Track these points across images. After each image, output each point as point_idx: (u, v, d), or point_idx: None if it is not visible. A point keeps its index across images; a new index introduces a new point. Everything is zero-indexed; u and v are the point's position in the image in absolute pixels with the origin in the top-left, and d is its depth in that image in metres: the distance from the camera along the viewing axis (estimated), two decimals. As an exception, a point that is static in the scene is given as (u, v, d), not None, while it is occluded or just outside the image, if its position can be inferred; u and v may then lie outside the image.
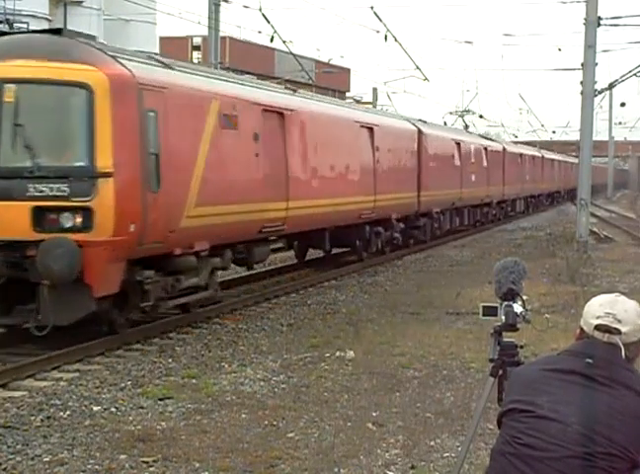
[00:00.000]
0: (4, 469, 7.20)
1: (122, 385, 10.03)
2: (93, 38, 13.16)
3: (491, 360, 4.99)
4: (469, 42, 70.87)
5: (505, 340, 4.96)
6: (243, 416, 8.80)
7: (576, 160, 61.57)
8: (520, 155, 46.27)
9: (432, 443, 7.95)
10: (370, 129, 21.79)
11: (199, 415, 8.80)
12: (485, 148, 36.85)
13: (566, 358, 3.41)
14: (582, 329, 3.42)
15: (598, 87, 26.36)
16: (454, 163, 30.66)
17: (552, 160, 59.82)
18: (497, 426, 3.47)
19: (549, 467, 3.19)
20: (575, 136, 48.88)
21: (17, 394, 9.58)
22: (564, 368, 3.37)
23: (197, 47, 50.68)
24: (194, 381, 10.21)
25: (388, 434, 8.21)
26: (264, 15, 25.57)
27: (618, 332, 3.34)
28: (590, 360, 3.31)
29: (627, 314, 3.37)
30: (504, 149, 41.36)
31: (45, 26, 25.93)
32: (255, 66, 39.51)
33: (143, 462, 7.36)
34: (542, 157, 55.00)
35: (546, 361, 3.54)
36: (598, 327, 3.37)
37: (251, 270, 18.22)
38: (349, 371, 10.71)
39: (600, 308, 3.40)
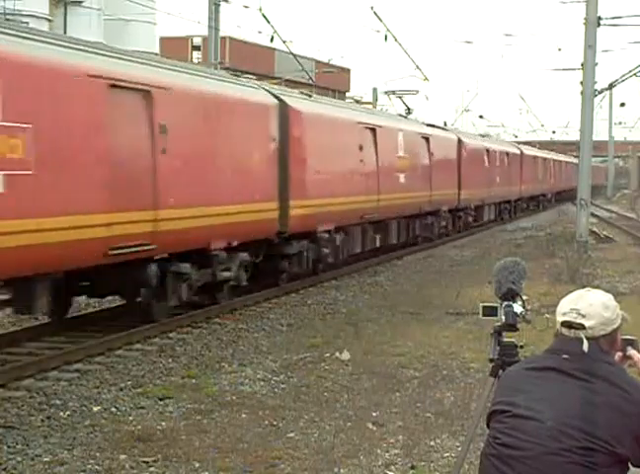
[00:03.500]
0: (4, 469, 7.20)
1: (122, 385, 10.03)
2: None
3: (491, 360, 4.99)
4: (469, 42, 71.01)
5: (505, 340, 4.95)
6: (243, 416, 8.80)
7: (549, 155, 61.66)
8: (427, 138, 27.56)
9: (432, 443, 7.95)
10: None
11: (199, 415, 8.80)
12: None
13: (544, 356, 3.41)
14: None
15: (598, 87, 26.34)
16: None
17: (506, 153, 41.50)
18: (487, 428, 3.47)
19: (527, 466, 3.15)
20: (575, 136, 48.82)
21: (17, 394, 9.57)
22: (540, 366, 3.37)
23: (197, 47, 50.63)
24: (194, 381, 10.21)
25: (388, 434, 8.21)
26: (264, 15, 25.59)
27: (582, 327, 3.28)
28: (566, 356, 3.29)
29: (592, 308, 3.31)
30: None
31: (45, 26, 25.91)
32: (255, 66, 39.47)
33: (143, 462, 7.37)
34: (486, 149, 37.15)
35: (527, 361, 3.56)
36: (563, 323, 3.35)
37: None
38: (349, 371, 10.71)
39: (567, 304, 3.37)
